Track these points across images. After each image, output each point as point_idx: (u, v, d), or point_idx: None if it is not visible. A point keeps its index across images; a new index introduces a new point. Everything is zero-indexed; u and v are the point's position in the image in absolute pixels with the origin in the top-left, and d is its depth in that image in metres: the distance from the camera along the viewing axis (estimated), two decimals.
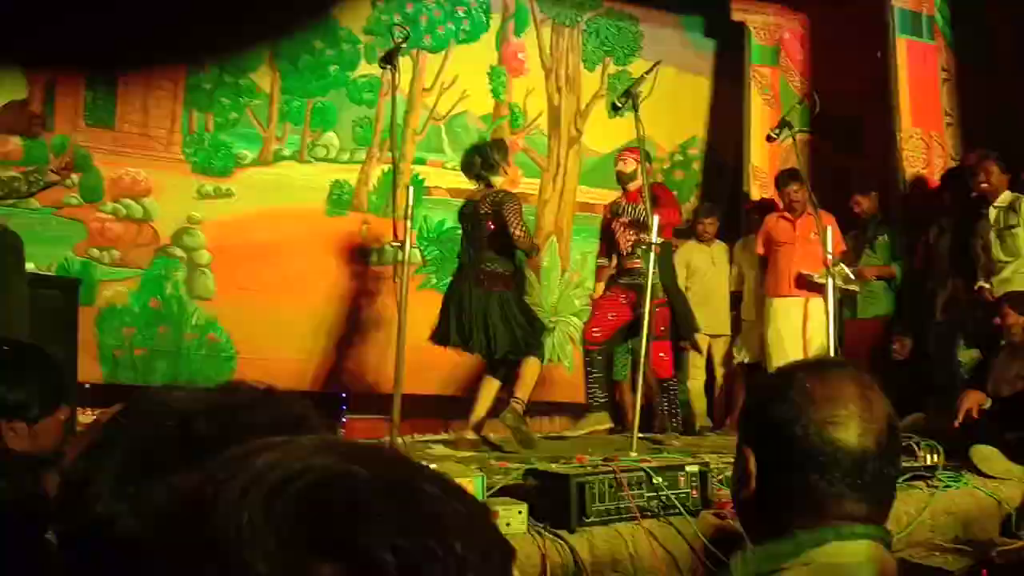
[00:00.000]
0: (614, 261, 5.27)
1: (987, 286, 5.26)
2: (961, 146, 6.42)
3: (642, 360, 4.49)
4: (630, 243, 5.05)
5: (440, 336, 4.71)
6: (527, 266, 5.74)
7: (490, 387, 4.74)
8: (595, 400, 5.19)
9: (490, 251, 4.60)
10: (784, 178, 5.83)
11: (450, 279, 4.90)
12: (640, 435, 4.28)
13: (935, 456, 3.85)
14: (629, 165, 5.13)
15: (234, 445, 0.61)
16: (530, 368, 4.67)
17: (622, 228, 5.15)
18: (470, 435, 4.67)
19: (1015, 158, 5.49)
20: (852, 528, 1.22)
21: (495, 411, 4.76)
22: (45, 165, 4.60)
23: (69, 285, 4.73)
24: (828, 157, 6.63)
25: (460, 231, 4.84)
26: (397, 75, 3.84)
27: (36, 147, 5.41)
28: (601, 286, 5.36)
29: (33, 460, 1.96)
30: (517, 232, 4.49)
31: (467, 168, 4.76)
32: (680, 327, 5.13)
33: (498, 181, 4.69)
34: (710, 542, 2.98)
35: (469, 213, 4.71)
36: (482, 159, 4.68)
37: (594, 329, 5.21)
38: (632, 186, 5.12)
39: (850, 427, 1.23)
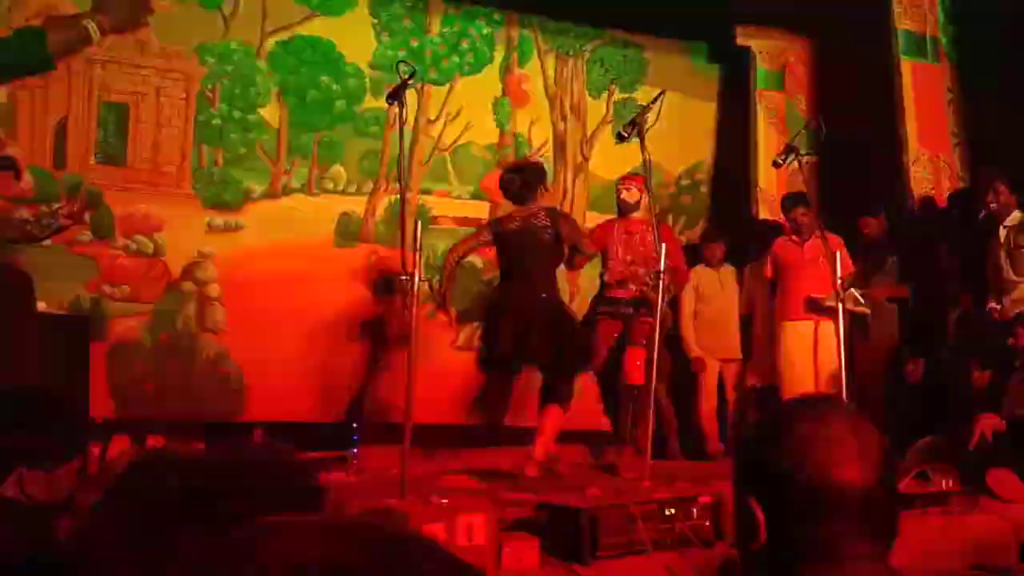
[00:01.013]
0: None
1: (998, 307, 5.23)
2: (968, 166, 6.42)
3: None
4: (625, 274, 5.06)
5: (493, 355, 4.61)
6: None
7: (554, 415, 4.62)
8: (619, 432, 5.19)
9: (544, 263, 4.63)
10: (790, 202, 5.83)
11: (494, 297, 4.85)
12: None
13: (949, 481, 3.82)
14: (633, 195, 5.14)
15: (235, 506, 0.62)
16: (552, 420, 4.58)
17: (617, 258, 5.17)
18: (531, 470, 4.53)
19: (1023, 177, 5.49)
20: (861, 567, 1.21)
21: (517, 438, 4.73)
22: (58, 208, 4.63)
23: (79, 324, 4.76)
24: (835, 180, 6.63)
25: (504, 249, 4.76)
26: (405, 111, 3.86)
27: (48, 184, 5.47)
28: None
29: (48, 507, 1.98)
30: (585, 241, 4.56)
31: (506, 186, 4.76)
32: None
33: (533, 204, 4.70)
34: (725, 574, 2.96)
35: (516, 230, 4.66)
36: (522, 180, 4.70)
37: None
38: (635, 215, 5.14)
39: (851, 466, 1.22)
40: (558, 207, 4.84)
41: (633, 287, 5.01)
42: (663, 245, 4.11)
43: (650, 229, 4.66)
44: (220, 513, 0.60)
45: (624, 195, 5.22)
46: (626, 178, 5.34)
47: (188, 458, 0.89)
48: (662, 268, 4.06)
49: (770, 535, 1.25)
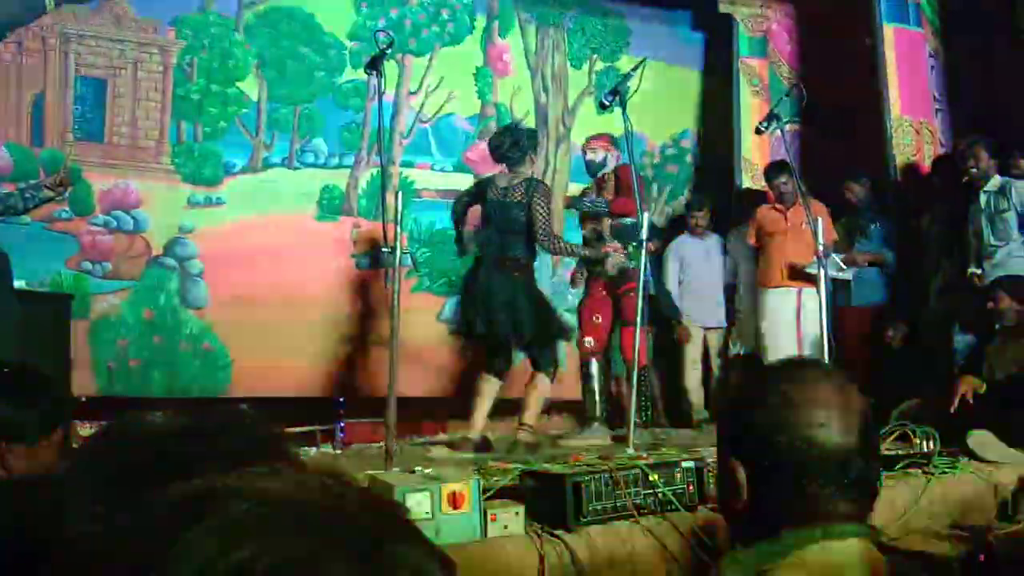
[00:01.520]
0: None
1: (979, 271, 5.27)
2: (951, 132, 6.43)
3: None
4: (595, 232, 5.12)
5: (465, 326, 4.70)
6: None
7: (490, 386, 4.71)
8: (592, 413, 5.20)
9: (518, 237, 4.58)
10: (773, 170, 5.85)
11: (471, 267, 4.83)
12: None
13: (931, 443, 3.86)
14: (598, 154, 5.17)
15: (207, 467, 0.61)
16: (539, 390, 4.65)
17: (586, 219, 5.26)
18: (472, 436, 4.67)
19: (1004, 142, 5.50)
20: (841, 527, 1.23)
21: (494, 409, 4.77)
22: (39, 181, 4.58)
23: (59, 300, 4.73)
24: (818, 146, 6.64)
25: (481, 213, 4.75)
26: (383, 81, 3.83)
27: (26, 161, 5.41)
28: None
29: (30, 481, 1.97)
30: (540, 234, 4.49)
31: (495, 148, 4.72)
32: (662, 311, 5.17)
33: (522, 168, 4.66)
34: (707, 536, 2.99)
35: (496, 199, 4.62)
36: (512, 142, 4.64)
37: (586, 340, 5.23)
38: (605, 172, 5.19)
39: (832, 428, 1.24)
40: (539, 180, 4.79)
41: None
42: (644, 214, 4.10)
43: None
44: (193, 475, 0.59)
45: (589, 155, 5.25)
46: (592, 139, 5.37)
47: (157, 423, 0.88)
48: (644, 237, 4.06)
49: (752, 496, 1.28)
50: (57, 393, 2.24)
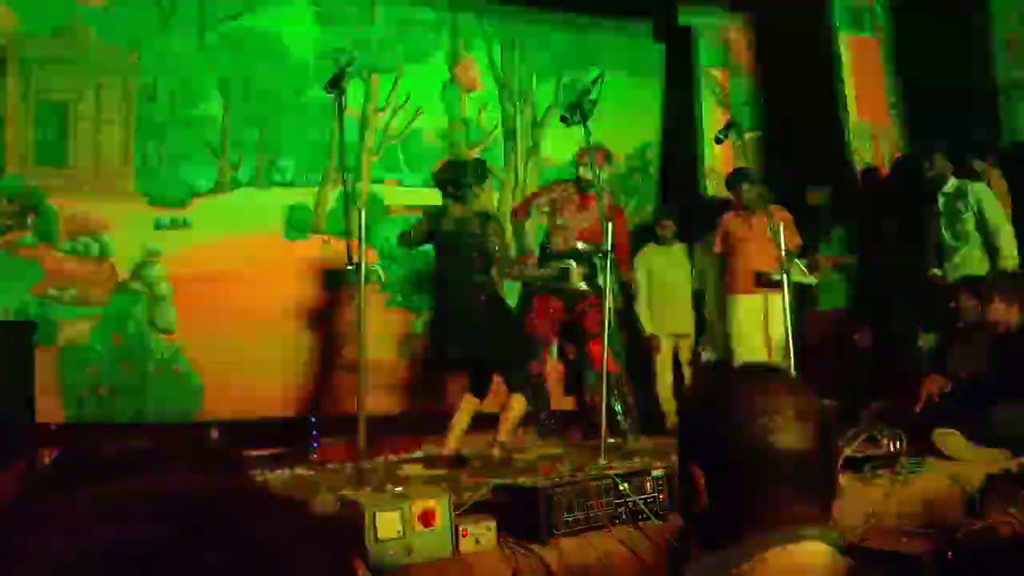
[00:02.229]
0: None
1: (939, 272, 5.36)
2: (907, 135, 6.55)
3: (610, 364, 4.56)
4: (566, 246, 5.15)
5: (438, 358, 4.75)
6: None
7: (471, 406, 4.77)
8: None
9: (479, 263, 4.64)
10: (735, 178, 5.92)
11: (436, 298, 4.91)
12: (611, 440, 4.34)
13: (898, 443, 3.92)
14: (590, 171, 5.19)
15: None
16: (515, 409, 4.74)
17: (556, 230, 5.26)
18: (445, 452, 4.69)
19: (961, 144, 5.61)
20: (801, 530, 1.25)
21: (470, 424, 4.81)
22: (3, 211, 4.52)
23: (21, 328, 4.67)
24: (779, 153, 6.73)
25: (435, 245, 4.82)
26: (343, 99, 3.84)
27: None
28: None
29: None
30: (499, 265, 4.60)
31: (439, 184, 4.77)
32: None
33: (469, 202, 4.71)
34: (680, 544, 3.01)
35: (452, 231, 4.69)
36: (452, 180, 4.70)
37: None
38: (591, 191, 5.20)
39: (790, 431, 1.26)
40: (491, 215, 4.87)
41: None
42: (608, 224, 4.14)
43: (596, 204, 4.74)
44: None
45: (581, 170, 5.25)
46: (584, 151, 5.39)
47: (110, 451, 0.89)
48: (609, 247, 4.09)
49: (712, 501, 1.29)
50: (17, 426, 2.22)
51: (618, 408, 5.23)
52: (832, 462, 1.34)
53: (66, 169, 5.61)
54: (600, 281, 4.69)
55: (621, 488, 3.04)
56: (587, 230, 5.17)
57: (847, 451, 3.78)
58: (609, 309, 4.14)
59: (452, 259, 4.68)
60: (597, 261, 4.77)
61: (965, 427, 4.14)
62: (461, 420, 4.73)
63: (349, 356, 5.78)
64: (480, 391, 4.82)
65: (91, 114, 5.68)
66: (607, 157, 5.28)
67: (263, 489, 0.58)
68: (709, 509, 1.29)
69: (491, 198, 6.64)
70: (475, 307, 4.58)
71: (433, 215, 4.80)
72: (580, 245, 5.15)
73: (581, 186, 5.29)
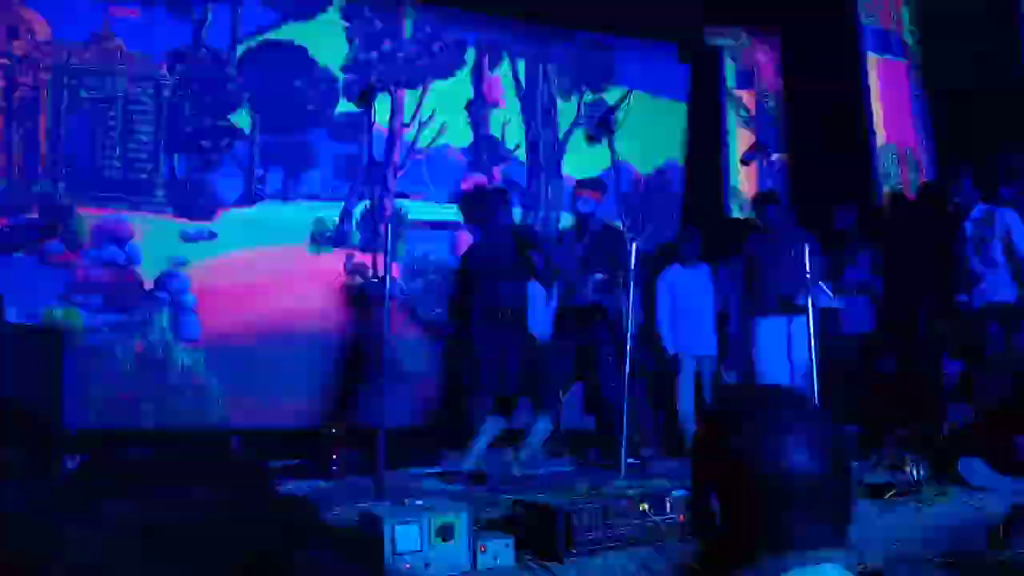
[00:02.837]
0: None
1: (966, 299, 5.30)
2: (935, 160, 6.51)
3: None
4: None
5: (471, 385, 4.79)
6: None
7: (495, 426, 4.78)
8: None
9: (507, 288, 4.65)
10: (761, 199, 5.90)
11: (462, 325, 4.95)
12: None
13: (921, 470, 3.87)
14: (588, 204, 5.18)
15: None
16: (539, 428, 4.78)
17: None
18: (465, 467, 4.68)
19: (990, 170, 5.56)
20: (816, 553, 1.25)
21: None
22: (34, 223, 4.58)
23: (51, 334, 4.72)
24: (805, 175, 6.71)
25: (466, 276, 4.85)
26: (373, 114, 3.88)
27: (18, 194, 5.43)
28: None
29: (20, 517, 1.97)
30: (539, 276, 4.58)
31: (463, 214, 4.85)
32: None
33: (492, 226, 4.74)
34: (699, 565, 2.98)
35: (480, 256, 4.74)
36: (476, 207, 4.76)
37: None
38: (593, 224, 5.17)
39: (804, 455, 1.26)
40: (518, 226, 4.88)
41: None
42: (633, 244, 4.14)
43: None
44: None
45: (580, 204, 5.24)
46: (581, 185, 5.38)
47: (134, 460, 0.90)
48: (632, 266, 4.09)
49: (727, 523, 1.29)
50: (47, 431, 2.24)
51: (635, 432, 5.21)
52: (848, 486, 1.33)
53: (95, 178, 5.69)
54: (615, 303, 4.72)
55: (641, 508, 3.02)
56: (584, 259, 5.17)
57: (870, 477, 3.74)
58: (622, 334, 4.14)
59: (480, 284, 4.72)
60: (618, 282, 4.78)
61: (989, 456, 4.08)
62: (484, 438, 4.73)
63: (370, 369, 5.79)
64: (506, 411, 4.82)
65: (121, 124, 5.76)
66: (601, 188, 5.27)
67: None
68: (723, 533, 1.29)
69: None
70: (505, 336, 4.61)
71: (463, 257, 4.87)
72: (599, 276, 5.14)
73: (579, 222, 5.29)
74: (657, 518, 3.03)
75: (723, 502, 1.29)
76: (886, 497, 3.66)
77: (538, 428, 4.74)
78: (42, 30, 5.58)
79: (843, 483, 1.30)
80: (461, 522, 2.74)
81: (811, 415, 1.31)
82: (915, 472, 3.87)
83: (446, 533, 2.69)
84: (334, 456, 5.47)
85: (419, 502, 3.12)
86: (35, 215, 5.39)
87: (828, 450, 1.27)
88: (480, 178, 6.56)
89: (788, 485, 1.25)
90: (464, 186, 6.48)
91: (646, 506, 3.03)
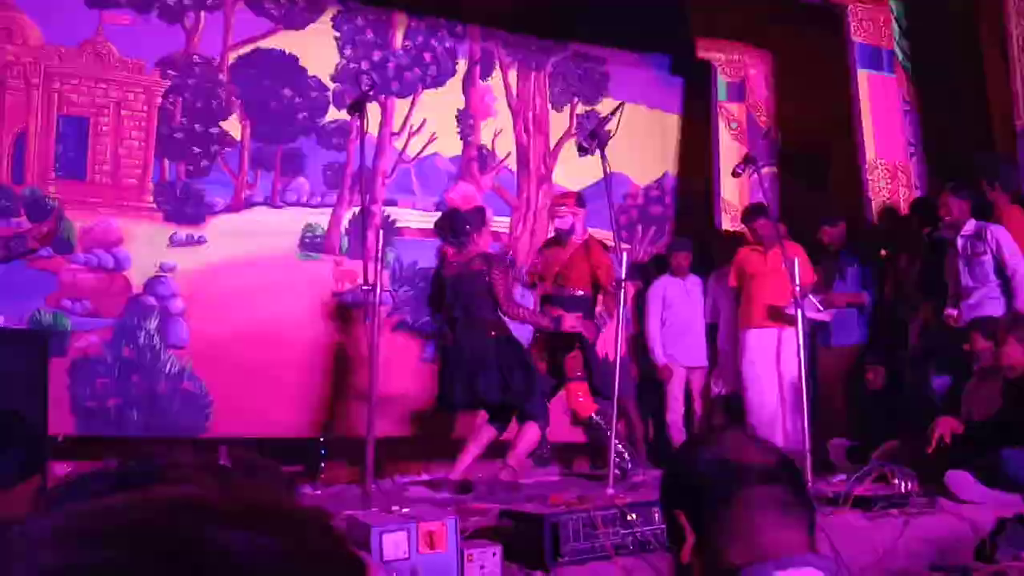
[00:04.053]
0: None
1: (955, 313, 5.32)
2: (926, 175, 6.55)
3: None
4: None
5: (446, 400, 4.74)
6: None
7: (486, 435, 4.75)
8: None
9: (483, 300, 4.63)
10: (751, 212, 5.92)
11: (441, 341, 4.91)
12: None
13: (909, 483, 3.88)
14: (566, 220, 5.15)
15: None
16: (529, 436, 4.72)
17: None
18: (453, 476, 4.65)
19: (980, 185, 5.59)
20: (792, 557, 1.28)
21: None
22: (27, 231, 4.52)
23: (37, 338, 4.68)
24: (795, 188, 6.74)
25: (440, 290, 4.83)
26: (365, 122, 3.87)
27: (7, 199, 5.39)
28: None
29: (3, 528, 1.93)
30: (501, 301, 4.56)
31: (439, 233, 4.83)
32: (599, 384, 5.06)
33: (469, 248, 4.74)
34: None
35: (455, 273, 4.73)
36: (452, 227, 4.74)
37: None
38: (574, 239, 5.14)
39: (749, 450, 1.37)
40: (494, 254, 4.88)
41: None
42: (623, 254, 4.14)
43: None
44: None
45: (557, 222, 5.20)
46: (558, 200, 5.36)
47: (132, 467, 0.88)
48: (623, 276, 4.09)
49: (699, 537, 1.34)
50: (33, 437, 2.20)
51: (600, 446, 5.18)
52: (804, 492, 1.39)
53: (85, 183, 5.66)
54: (593, 321, 4.74)
55: (628, 518, 3.02)
56: (568, 277, 5.13)
57: (858, 490, 3.74)
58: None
59: (456, 298, 4.71)
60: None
61: (977, 469, 4.09)
62: (474, 447, 4.70)
63: (359, 377, 5.77)
64: (499, 421, 4.81)
65: (111, 129, 5.73)
66: (579, 201, 5.25)
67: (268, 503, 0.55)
68: (697, 546, 1.33)
69: (503, 224, 6.67)
70: (485, 347, 4.59)
71: (436, 269, 4.85)
72: (579, 292, 5.12)
73: (559, 237, 5.27)
74: (645, 528, 3.02)
75: (690, 517, 1.35)
76: (873, 509, 3.66)
77: (526, 434, 4.71)
78: (34, 35, 5.56)
79: (799, 488, 1.37)
80: (448, 530, 2.73)
81: (762, 440, 1.46)
82: (903, 485, 3.88)
83: (433, 541, 2.68)
84: (322, 464, 5.46)
85: (406, 510, 3.11)
86: (23, 219, 5.35)
87: (775, 458, 1.38)
88: (468, 188, 6.57)
89: (748, 478, 1.32)
90: (450, 195, 6.47)
91: (634, 516, 3.02)
